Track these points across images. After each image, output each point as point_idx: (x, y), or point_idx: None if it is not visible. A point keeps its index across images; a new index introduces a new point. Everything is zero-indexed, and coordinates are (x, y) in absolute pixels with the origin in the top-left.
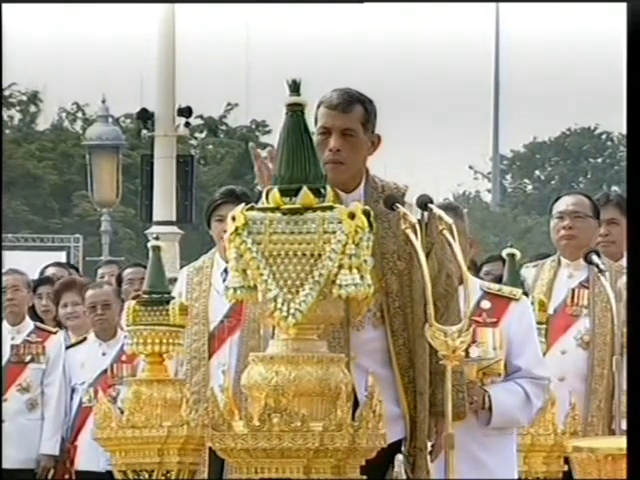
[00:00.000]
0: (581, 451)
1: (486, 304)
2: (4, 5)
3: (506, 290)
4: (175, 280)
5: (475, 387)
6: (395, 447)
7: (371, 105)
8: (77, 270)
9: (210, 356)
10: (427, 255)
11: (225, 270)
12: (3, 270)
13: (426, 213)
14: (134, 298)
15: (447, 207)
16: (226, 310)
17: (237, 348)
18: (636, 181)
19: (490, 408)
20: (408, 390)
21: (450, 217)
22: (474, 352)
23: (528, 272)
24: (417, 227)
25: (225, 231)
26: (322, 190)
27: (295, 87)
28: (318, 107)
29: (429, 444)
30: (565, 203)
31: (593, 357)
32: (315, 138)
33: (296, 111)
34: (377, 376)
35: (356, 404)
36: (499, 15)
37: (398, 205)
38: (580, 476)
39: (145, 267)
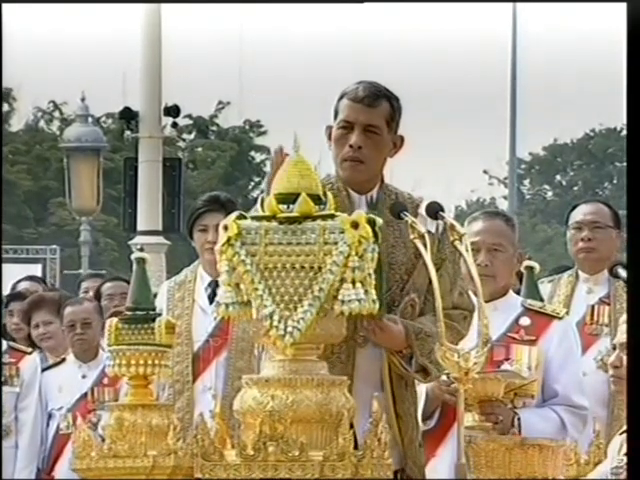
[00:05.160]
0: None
1: (525, 321)
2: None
3: (549, 308)
4: None
5: (503, 407)
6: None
7: (397, 103)
8: (46, 284)
9: (194, 379)
10: (437, 271)
11: (209, 284)
12: None
13: (440, 226)
14: (114, 315)
15: (497, 214)
16: (211, 329)
17: (224, 370)
18: (636, 181)
19: (519, 432)
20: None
21: (501, 226)
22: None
23: (544, 287)
24: (426, 237)
25: (210, 242)
26: (322, 197)
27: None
28: (340, 99)
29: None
30: (583, 212)
31: None
32: (334, 132)
33: None
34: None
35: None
36: (516, 12)
37: (406, 213)
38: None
39: (126, 281)
